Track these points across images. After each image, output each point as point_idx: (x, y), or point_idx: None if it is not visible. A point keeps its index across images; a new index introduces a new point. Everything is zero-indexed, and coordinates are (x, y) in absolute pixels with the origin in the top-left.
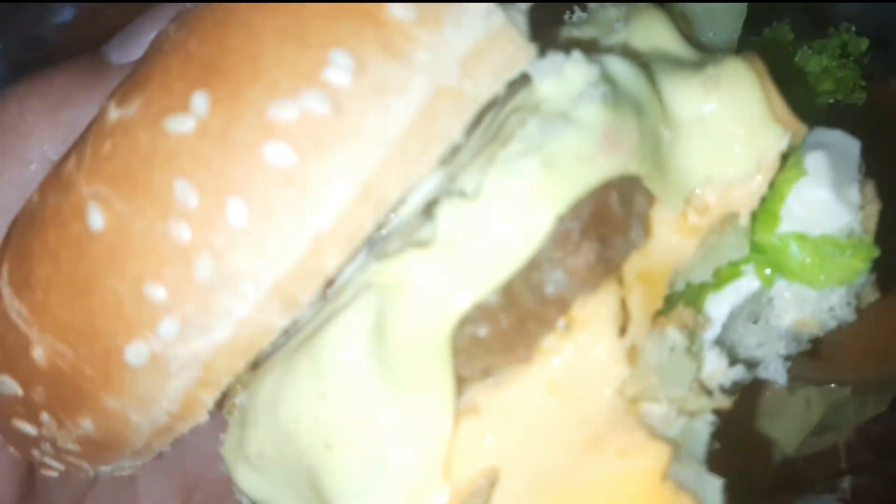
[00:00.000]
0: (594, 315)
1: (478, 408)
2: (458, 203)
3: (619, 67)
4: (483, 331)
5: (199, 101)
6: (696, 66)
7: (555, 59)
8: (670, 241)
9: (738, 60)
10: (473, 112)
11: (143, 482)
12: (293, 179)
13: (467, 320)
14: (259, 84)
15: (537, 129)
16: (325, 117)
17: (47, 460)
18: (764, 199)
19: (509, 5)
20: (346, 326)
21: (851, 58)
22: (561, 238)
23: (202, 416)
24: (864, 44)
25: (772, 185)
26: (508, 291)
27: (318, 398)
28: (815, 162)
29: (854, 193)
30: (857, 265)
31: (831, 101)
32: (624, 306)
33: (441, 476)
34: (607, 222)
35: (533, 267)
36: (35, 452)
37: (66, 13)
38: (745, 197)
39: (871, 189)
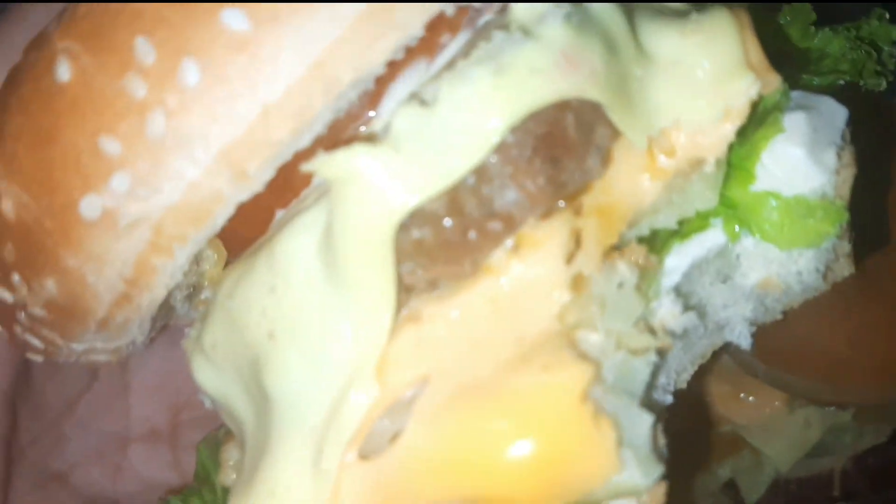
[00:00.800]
0: (544, 238)
1: (420, 317)
2: (412, 107)
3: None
4: (429, 237)
5: None
6: (683, 13)
7: None
8: (633, 179)
9: (722, 9)
10: (434, 8)
11: (135, 395)
12: (246, 46)
13: (413, 224)
14: None
15: (498, 42)
16: None
17: (27, 336)
18: (740, 154)
19: None
20: (302, 221)
21: (878, 44)
22: (512, 153)
23: (157, 288)
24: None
25: (749, 141)
26: (455, 200)
27: (269, 291)
28: (794, 121)
29: (831, 157)
30: (826, 228)
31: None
32: (578, 236)
33: (374, 375)
34: (561, 144)
35: (482, 179)
36: (17, 328)
37: None
38: (714, 143)
39: (848, 154)
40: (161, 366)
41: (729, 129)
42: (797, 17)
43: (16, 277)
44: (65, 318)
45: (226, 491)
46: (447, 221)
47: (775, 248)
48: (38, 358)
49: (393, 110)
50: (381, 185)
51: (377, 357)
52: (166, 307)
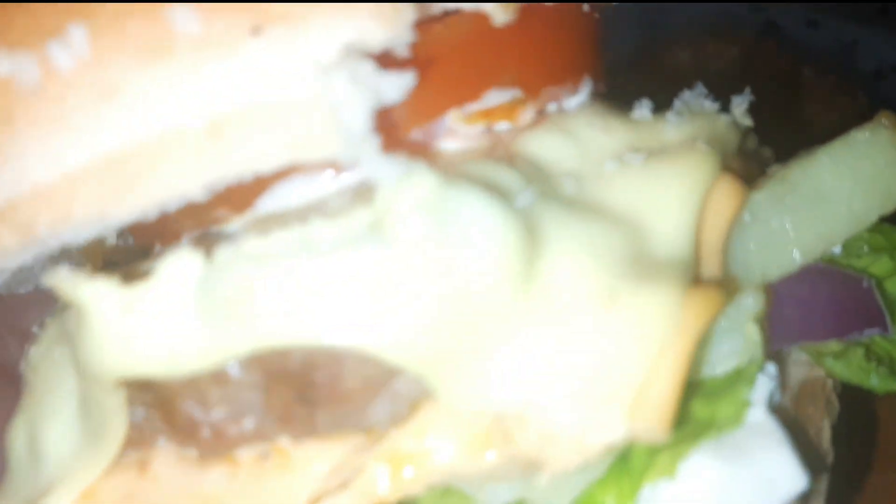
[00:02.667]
0: (301, 461)
1: (146, 468)
2: (190, 264)
3: (478, 223)
4: (158, 408)
5: None
6: (632, 265)
7: (383, 167)
8: (449, 443)
9: (673, 296)
10: (209, 173)
11: None
12: None
13: (148, 386)
14: None
15: (322, 237)
16: (29, 88)
17: None
18: (632, 466)
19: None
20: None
21: None
22: (264, 372)
23: None
24: None
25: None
26: (197, 385)
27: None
28: (699, 472)
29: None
30: None
31: None
32: (350, 471)
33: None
34: (328, 389)
35: (220, 381)
36: None
37: None
38: (554, 458)
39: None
40: None
41: (574, 460)
42: None
43: None
44: None
45: None
46: (182, 401)
47: None
48: None
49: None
50: (112, 334)
51: (83, 482)
52: None
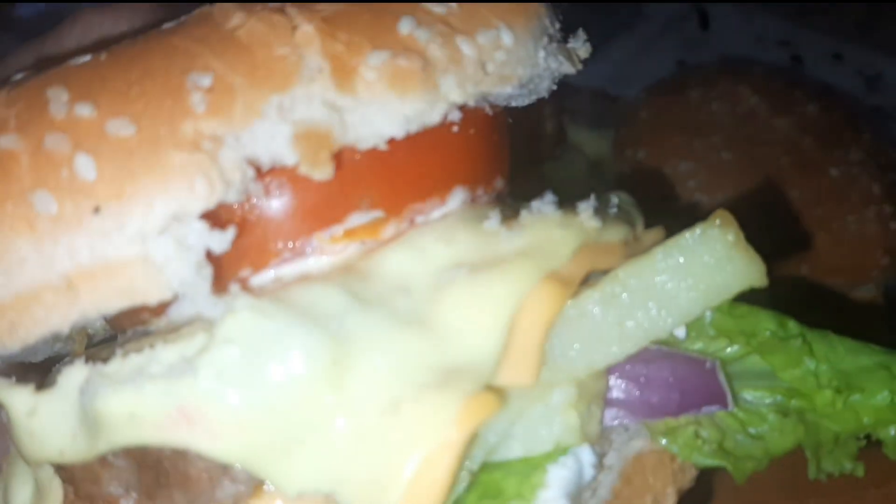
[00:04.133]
0: None
1: None
2: (78, 377)
3: (291, 344)
4: (73, 485)
5: None
6: (426, 375)
7: (207, 304)
8: None
9: (447, 406)
10: (71, 315)
11: None
12: None
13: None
14: None
15: (171, 357)
16: None
17: None
18: None
19: (186, 239)
20: None
21: None
22: (131, 463)
23: None
24: None
25: None
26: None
27: None
28: None
29: None
30: None
31: None
32: None
33: None
34: (167, 476)
35: (102, 464)
36: None
37: None
38: None
39: None
40: None
41: None
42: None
43: None
44: None
45: None
46: (87, 482)
47: None
48: None
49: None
50: (23, 428)
51: None
52: None
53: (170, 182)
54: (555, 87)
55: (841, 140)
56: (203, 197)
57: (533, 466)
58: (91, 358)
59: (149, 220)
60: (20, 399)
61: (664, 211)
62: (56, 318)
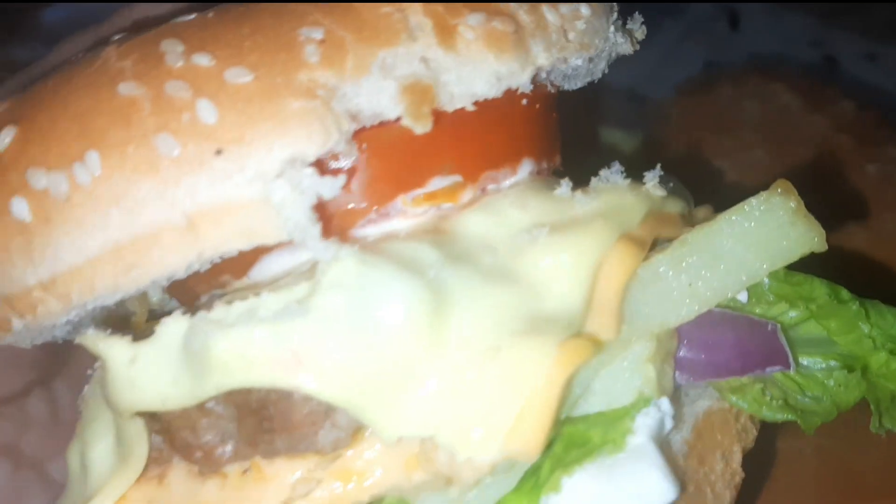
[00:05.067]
0: (271, 476)
1: (163, 479)
2: (180, 326)
3: (395, 292)
4: (166, 434)
5: (7, 135)
6: (522, 323)
7: (319, 248)
8: (383, 462)
9: (543, 350)
10: (196, 255)
11: None
12: (24, 233)
13: (156, 416)
14: (41, 144)
15: (276, 303)
16: (59, 200)
17: None
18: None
19: (299, 183)
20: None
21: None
22: (236, 406)
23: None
24: None
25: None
26: (190, 416)
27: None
28: (580, 486)
29: None
30: None
31: None
32: (309, 484)
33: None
34: (282, 419)
35: (202, 413)
36: None
37: None
38: (461, 475)
39: None
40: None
41: (471, 476)
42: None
43: None
44: None
45: None
46: (182, 429)
47: None
48: None
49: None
50: (122, 378)
51: (117, 492)
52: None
53: (288, 127)
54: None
55: (877, 137)
56: (318, 143)
57: (617, 417)
58: (190, 310)
59: (267, 163)
60: (120, 349)
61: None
62: (174, 259)
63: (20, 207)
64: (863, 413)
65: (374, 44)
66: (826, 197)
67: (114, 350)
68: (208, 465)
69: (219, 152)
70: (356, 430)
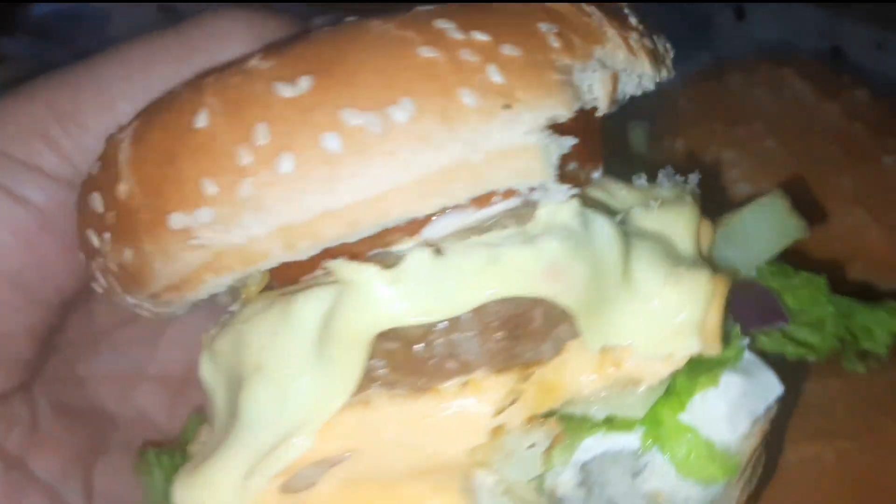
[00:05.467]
0: (487, 388)
1: (369, 404)
2: (425, 251)
3: (602, 230)
4: (400, 351)
5: (305, 82)
6: (677, 261)
7: (557, 191)
8: (579, 372)
9: (707, 275)
10: (481, 189)
11: (165, 342)
12: (331, 162)
13: (393, 336)
14: (347, 91)
15: (506, 234)
16: (376, 135)
17: (97, 274)
18: (681, 386)
19: (554, 138)
20: (317, 292)
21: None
22: (483, 318)
23: (201, 292)
24: None
25: (689, 380)
26: (428, 333)
27: (272, 333)
28: (730, 381)
29: (745, 424)
30: (719, 476)
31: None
32: (515, 396)
33: (317, 431)
34: (523, 327)
35: (453, 327)
36: (92, 263)
37: None
38: (650, 374)
39: (760, 430)
40: (197, 325)
41: (665, 371)
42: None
43: (107, 235)
44: (128, 279)
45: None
46: (418, 346)
47: (676, 472)
48: (99, 289)
49: (413, 245)
50: (378, 298)
51: (325, 419)
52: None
53: (551, 93)
54: None
55: (892, 127)
56: (568, 109)
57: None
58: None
59: (539, 118)
60: (377, 274)
61: (708, 200)
62: (463, 192)
63: (332, 142)
64: (888, 416)
65: (590, 42)
66: (839, 190)
67: (371, 275)
68: (434, 379)
69: (507, 106)
70: (566, 342)
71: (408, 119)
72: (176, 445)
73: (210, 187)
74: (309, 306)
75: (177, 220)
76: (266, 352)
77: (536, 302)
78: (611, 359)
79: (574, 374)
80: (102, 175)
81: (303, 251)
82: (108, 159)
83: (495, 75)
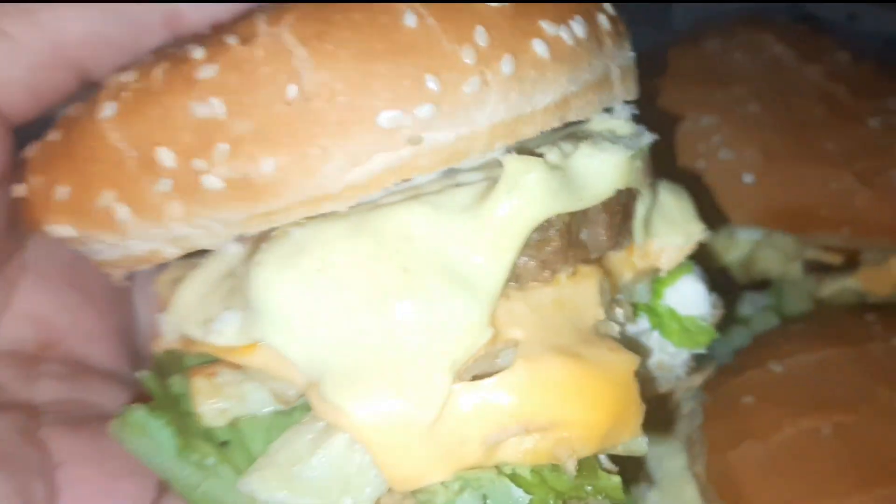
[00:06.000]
0: (590, 273)
1: (509, 295)
2: (564, 152)
3: (645, 142)
4: (542, 241)
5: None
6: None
7: (624, 109)
8: (621, 264)
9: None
10: (608, 101)
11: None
12: (540, 68)
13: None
14: (536, 6)
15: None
16: (569, 45)
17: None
18: (659, 282)
19: None
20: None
21: None
22: (607, 208)
23: (347, 204)
24: None
25: (669, 275)
26: (566, 222)
27: (405, 239)
28: (699, 269)
29: (714, 299)
30: (701, 341)
31: None
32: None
33: (488, 324)
34: (627, 216)
35: (584, 216)
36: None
37: None
38: (668, 260)
39: (720, 302)
40: (48, 297)
41: (679, 255)
42: None
43: (224, 146)
44: (243, 194)
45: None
46: (555, 237)
47: (671, 344)
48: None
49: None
50: (541, 192)
51: (489, 310)
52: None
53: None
54: None
55: (876, 88)
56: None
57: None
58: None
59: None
60: (538, 166)
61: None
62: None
63: (540, 47)
64: (882, 385)
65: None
66: (826, 153)
67: (520, 164)
68: (560, 266)
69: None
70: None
71: (584, 33)
72: (165, 403)
73: (432, 83)
74: (457, 196)
75: (387, 118)
76: (406, 253)
77: (633, 194)
78: (642, 252)
79: (618, 265)
80: (229, 78)
81: (495, 151)
82: (253, 60)
83: (541, 50)
